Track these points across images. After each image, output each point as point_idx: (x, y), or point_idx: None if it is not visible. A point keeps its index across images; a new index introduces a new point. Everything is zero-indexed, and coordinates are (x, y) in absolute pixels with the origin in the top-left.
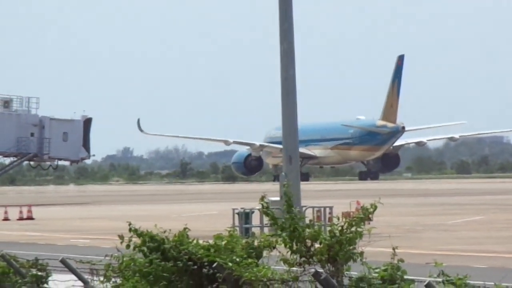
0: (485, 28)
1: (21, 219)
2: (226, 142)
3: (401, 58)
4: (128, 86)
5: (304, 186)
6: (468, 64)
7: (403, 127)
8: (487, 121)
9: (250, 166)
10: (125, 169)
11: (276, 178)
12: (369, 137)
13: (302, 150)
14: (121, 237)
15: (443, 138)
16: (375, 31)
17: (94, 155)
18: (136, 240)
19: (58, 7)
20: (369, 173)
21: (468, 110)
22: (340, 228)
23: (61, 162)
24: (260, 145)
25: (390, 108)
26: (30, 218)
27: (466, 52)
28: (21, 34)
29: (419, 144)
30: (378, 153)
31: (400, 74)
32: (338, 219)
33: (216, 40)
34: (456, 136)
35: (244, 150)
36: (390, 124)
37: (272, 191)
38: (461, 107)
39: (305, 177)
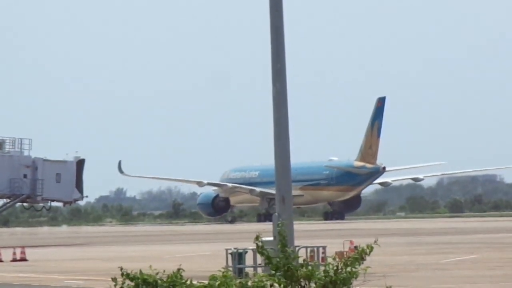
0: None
1: (14, 260)
2: (200, 184)
3: (381, 100)
4: (121, 126)
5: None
6: (454, 103)
7: (384, 168)
8: (474, 160)
9: (218, 207)
10: (118, 210)
11: (232, 219)
12: (347, 177)
13: (268, 190)
14: (114, 279)
15: (407, 178)
16: (351, 72)
17: (87, 196)
18: (130, 282)
19: (48, 45)
20: (334, 213)
21: (450, 149)
22: (335, 267)
23: (54, 203)
24: (233, 186)
25: (369, 150)
26: (23, 259)
27: (449, 92)
28: (12, 76)
29: (383, 184)
30: (352, 193)
31: (381, 115)
32: (334, 259)
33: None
34: (421, 176)
35: (209, 191)
36: (369, 165)
37: (265, 231)
38: (444, 147)
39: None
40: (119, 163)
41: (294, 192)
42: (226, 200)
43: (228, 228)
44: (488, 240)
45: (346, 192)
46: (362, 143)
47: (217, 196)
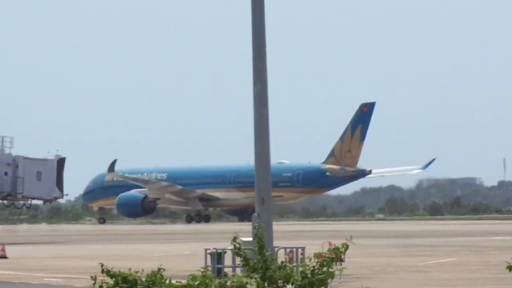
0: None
1: None
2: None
3: (368, 105)
4: (103, 125)
5: (278, 227)
6: (434, 108)
7: (370, 170)
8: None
9: (148, 208)
10: None
11: (103, 220)
12: (319, 179)
13: (201, 191)
14: (94, 278)
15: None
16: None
17: (67, 195)
18: (109, 280)
19: (35, 40)
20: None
21: (428, 154)
22: (311, 268)
23: (34, 201)
24: (181, 188)
25: (347, 153)
26: (3, 256)
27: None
28: None
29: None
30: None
31: (366, 120)
32: (310, 259)
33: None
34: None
35: (130, 192)
36: (349, 168)
37: (244, 231)
38: (422, 151)
39: (206, 218)
40: (113, 162)
41: (228, 194)
42: (156, 201)
43: (209, 228)
44: (467, 243)
45: (316, 194)
46: (335, 146)
47: (146, 197)
